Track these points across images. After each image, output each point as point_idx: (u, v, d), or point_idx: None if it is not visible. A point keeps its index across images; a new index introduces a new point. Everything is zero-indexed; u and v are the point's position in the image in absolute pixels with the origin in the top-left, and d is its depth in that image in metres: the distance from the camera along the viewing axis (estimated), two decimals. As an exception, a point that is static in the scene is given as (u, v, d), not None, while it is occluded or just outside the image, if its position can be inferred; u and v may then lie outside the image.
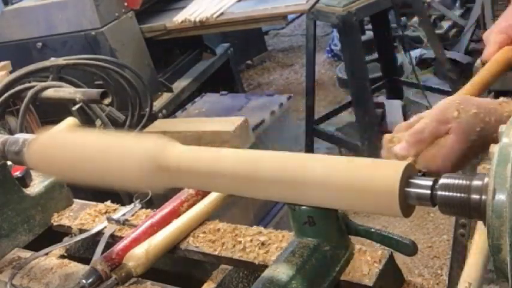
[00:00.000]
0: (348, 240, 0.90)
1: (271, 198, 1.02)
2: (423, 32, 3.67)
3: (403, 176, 0.67)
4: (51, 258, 1.17)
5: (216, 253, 1.07)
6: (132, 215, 1.25)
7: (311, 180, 0.74)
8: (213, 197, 1.14)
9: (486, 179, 0.61)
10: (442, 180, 0.66)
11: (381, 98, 4.09)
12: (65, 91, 2.17)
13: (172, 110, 2.87)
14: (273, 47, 6.21)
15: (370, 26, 4.28)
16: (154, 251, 1.05)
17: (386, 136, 0.86)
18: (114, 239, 1.19)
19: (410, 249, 0.86)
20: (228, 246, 1.08)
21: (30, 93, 2.17)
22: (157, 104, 2.76)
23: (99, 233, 1.22)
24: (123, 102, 2.43)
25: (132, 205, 1.27)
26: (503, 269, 0.54)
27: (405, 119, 3.85)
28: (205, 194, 1.17)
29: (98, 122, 2.22)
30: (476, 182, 0.63)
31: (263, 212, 2.61)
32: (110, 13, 2.57)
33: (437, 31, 4.19)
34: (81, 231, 1.24)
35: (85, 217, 1.29)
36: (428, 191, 0.67)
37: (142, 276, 1.07)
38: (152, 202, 1.27)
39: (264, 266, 0.97)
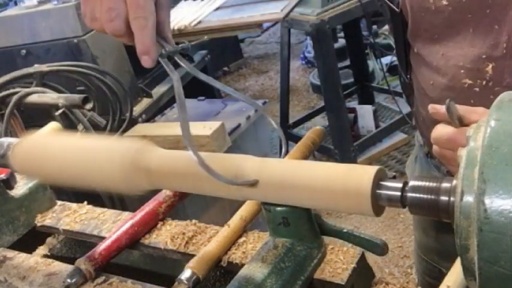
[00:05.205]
0: (321, 240, 0.90)
1: (251, 199, 1.03)
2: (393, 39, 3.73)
3: (375, 179, 0.69)
4: (35, 257, 1.15)
5: (189, 251, 1.07)
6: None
7: (290, 182, 0.76)
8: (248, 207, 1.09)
9: (454, 182, 0.62)
10: (412, 183, 0.67)
11: (353, 103, 4.15)
12: (48, 96, 2.19)
13: (152, 114, 2.89)
14: (249, 54, 6.25)
15: (342, 34, 4.34)
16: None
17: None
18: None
19: (381, 249, 0.87)
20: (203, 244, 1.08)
21: (14, 98, 2.19)
22: (137, 109, 2.78)
23: (83, 233, 1.21)
24: (104, 107, 2.45)
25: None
26: (471, 268, 0.54)
27: (376, 123, 3.89)
28: (182, 195, 1.18)
29: (80, 127, 2.23)
30: (445, 184, 0.64)
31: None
32: (92, 22, 2.59)
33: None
34: (64, 231, 1.24)
35: (67, 218, 1.28)
36: (399, 193, 0.68)
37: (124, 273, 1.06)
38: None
39: (240, 265, 0.97)
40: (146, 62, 0.79)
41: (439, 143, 0.84)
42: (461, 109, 0.80)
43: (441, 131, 0.83)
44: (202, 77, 0.87)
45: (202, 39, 2.64)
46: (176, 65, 0.82)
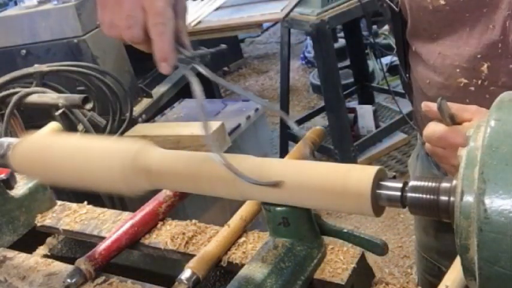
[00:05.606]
0: (321, 240, 0.91)
1: (251, 199, 1.03)
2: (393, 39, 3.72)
3: (375, 179, 0.70)
4: (35, 257, 1.16)
5: (189, 251, 1.07)
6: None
7: (290, 182, 0.76)
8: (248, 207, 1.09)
9: (454, 182, 0.62)
10: (411, 183, 0.67)
11: (353, 103, 4.13)
12: (48, 97, 2.20)
13: (152, 114, 2.89)
14: (249, 54, 6.25)
15: (342, 34, 4.34)
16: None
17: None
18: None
19: (381, 249, 0.87)
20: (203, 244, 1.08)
21: (14, 98, 2.20)
22: (137, 109, 2.78)
23: (83, 233, 1.22)
24: (104, 107, 2.45)
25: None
26: (471, 268, 0.54)
27: (376, 123, 3.89)
28: (182, 195, 1.18)
29: (80, 127, 2.24)
30: (444, 184, 0.64)
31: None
32: (92, 21, 2.59)
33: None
34: (64, 231, 1.24)
35: (67, 218, 1.28)
36: (398, 193, 0.68)
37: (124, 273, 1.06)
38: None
39: (240, 265, 0.97)
40: (164, 68, 0.78)
41: (431, 141, 0.85)
42: (454, 107, 0.81)
43: (433, 128, 0.83)
44: (223, 82, 0.89)
45: (221, 48, 2.64)
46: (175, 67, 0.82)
